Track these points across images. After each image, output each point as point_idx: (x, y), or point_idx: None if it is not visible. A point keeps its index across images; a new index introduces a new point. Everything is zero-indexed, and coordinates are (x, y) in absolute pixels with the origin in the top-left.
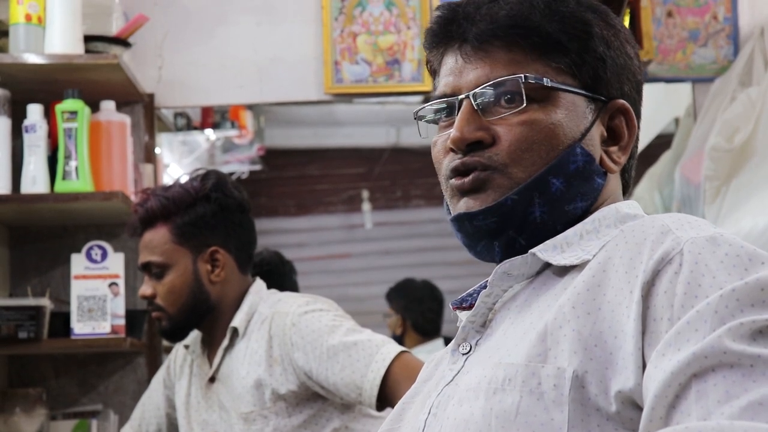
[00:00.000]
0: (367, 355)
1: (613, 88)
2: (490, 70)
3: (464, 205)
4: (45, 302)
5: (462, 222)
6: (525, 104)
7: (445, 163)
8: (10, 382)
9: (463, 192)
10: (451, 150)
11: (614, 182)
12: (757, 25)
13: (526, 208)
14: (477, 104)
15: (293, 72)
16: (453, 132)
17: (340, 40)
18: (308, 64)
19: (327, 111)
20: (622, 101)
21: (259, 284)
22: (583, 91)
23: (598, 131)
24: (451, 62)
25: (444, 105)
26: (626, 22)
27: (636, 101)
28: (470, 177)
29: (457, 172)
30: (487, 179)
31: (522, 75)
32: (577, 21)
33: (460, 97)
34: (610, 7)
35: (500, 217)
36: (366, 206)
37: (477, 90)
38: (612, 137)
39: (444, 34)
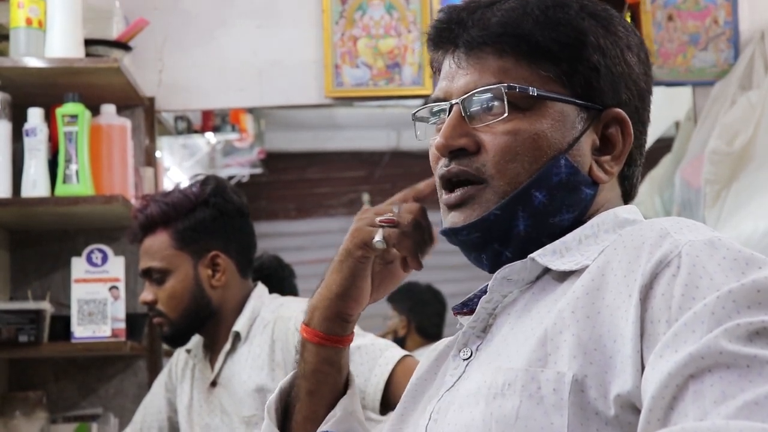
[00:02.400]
0: (371, 359)
1: (608, 97)
2: (479, 77)
3: (450, 219)
4: (45, 306)
5: (448, 236)
6: (507, 113)
7: (437, 168)
8: (10, 386)
9: (450, 206)
10: (443, 156)
11: (609, 191)
12: (758, 29)
13: (510, 222)
14: (465, 111)
15: (294, 75)
16: (438, 138)
17: (340, 44)
18: (309, 68)
19: (327, 114)
20: (617, 110)
21: (260, 289)
22: (573, 100)
23: (589, 140)
24: (446, 66)
25: (438, 108)
26: None
27: (638, 109)
28: (458, 193)
29: (444, 181)
30: (475, 194)
31: (505, 84)
32: (572, 29)
33: (450, 102)
34: None
35: (483, 231)
36: None
37: (464, 97)
38: (606, 146)
39: (440, 39)
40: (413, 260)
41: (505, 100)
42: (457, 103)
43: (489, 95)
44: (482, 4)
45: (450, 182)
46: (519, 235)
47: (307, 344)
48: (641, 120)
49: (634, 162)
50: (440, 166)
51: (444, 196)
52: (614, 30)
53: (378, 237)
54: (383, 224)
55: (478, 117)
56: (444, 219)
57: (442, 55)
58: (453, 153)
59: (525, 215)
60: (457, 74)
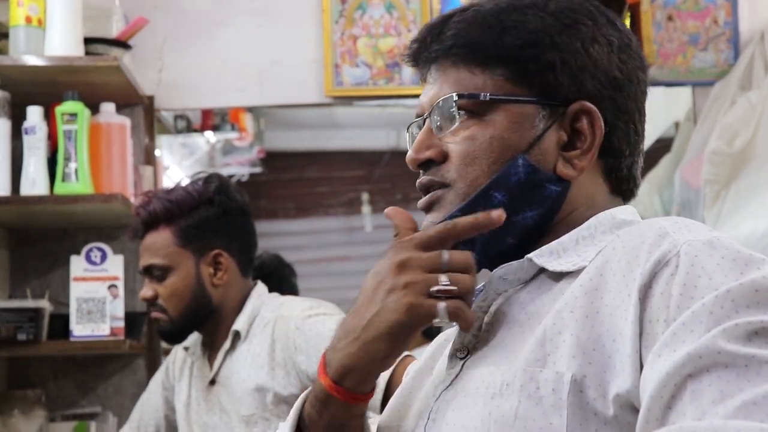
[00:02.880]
0: None
1: (571, 91)
2: (439, 90)
3: (424, 222)
4: (44, 304)
5: None
6: (459, 122)
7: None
8: (9, 384)
9: (424, 210)
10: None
11: (587, 186)
12: (758, 30)
13: None
14: (433, 123)
15: (293, 75)
16: (408, 153)
17: (340, 43)
18: (308, 67)
19: (327, 114)
20: (582, 103)
21: (261, 288)
22: (529, 99)
23: (554, 137)
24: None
25: (419, 123)
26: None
27: (615, 99)
28: (426, 198)
29: (421, 192)
30: (441, 197)
31: (454, 93)
32: (523, 31)
33: (423, 117)
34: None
35: None
36: (366, 209)
37: (430, 110)
38: (579, 140)
39: (411, 58)
40: (470, 326)
41: (456, 108)
42: (426, 117)
43: (446, 106)
44: (444, 18)
45: (426, 192)
46: (482, 234)
47: (334, 400)
48: (621, 110)
49: (620, 153)
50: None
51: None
52: (574, 25)
53: (441, 314)
54: (441, 295)
55: (443, 127)
56: None
57: (422, 73)
58: (423, 165)
59: None
60: (426, 89)
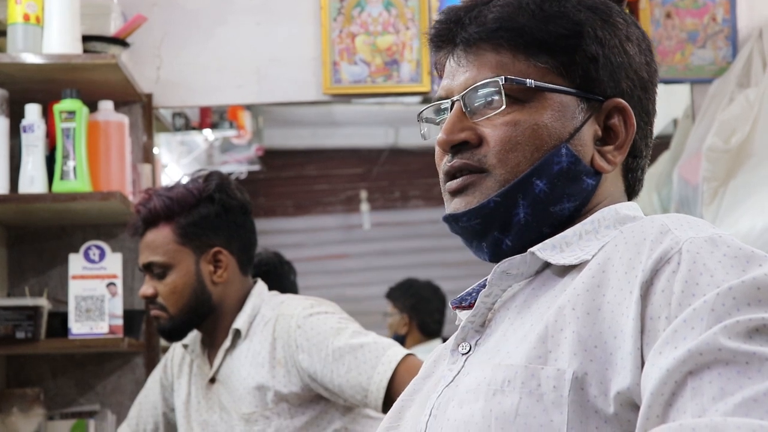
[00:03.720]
0: (374, 358)
1: (608, 87)
2: (477, 73)
3: (453, 206)
4: (43, 302)
5: (450, 222)
6: (504, 106)
7: (442, 165)
8: (7, 382)
9: (452, 193)
10: (445, 152)
11: (612, 183)
12: (756, 27)
13: (510, 209)
14: (466, 107)
15: (292, 72)
16: (440, 134)
17: (338, 41)
18: (307, 65)
19: (325, 111)
20: (618, 100)
21: (261, 286)
22: (572, 90)
23: (591, 130)
24: (448, 65)
25: (441, 107)
26: None
27: (641, 99)
28: (459, 180)
29: (448, 176)
30: (476, 181)
31: (502, 77)
32: (568, 21)
33: (451, 99)
34: None
35: (483, 218)
36: (364, 207)
37: (464, 93)
38: (609, 137)
39: (440, 39)
40: None
41: (503, 92)
42: (457, 99)
43: (488, 89)
44: (480, 2)
45: (454, 176)
46: (519, 223)
47: None
48: (645, 110)
49: (639, 153)
50: (444, 163)
51: (446, 184)
52: (613, 21)
53: None
54: None
55: (479, 111)
56: (447, 207)
57: (444, 56)
58: (455, 148)
59: (525, 203)
60: (457, 72)
